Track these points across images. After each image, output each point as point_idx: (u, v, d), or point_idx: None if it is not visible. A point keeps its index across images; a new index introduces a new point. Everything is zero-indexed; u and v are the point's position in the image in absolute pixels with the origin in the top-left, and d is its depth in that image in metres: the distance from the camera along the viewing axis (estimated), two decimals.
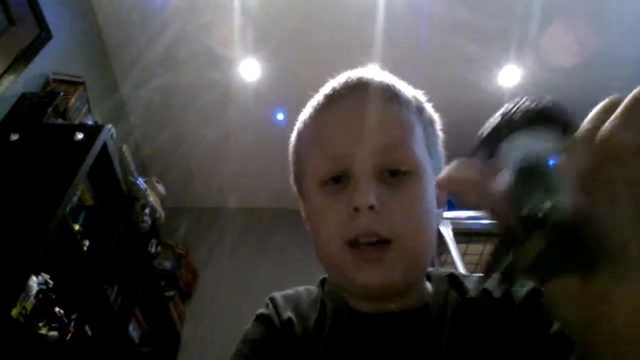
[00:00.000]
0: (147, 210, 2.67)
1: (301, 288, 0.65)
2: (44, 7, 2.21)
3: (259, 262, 3.33)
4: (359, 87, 0.55)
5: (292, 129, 0.69)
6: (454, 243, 2.16)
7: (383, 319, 0.54)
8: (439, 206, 0.57)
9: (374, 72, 0.57)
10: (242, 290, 2.91)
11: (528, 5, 2.92)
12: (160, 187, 3.12)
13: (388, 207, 0.49)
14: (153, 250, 2.91)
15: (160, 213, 2.92)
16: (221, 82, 3.25)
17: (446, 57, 3.14)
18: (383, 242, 0.50)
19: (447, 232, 2.23)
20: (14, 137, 1.81)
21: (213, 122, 3.46)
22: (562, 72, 3.23)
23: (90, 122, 2.36)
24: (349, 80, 0.56)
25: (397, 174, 0.51)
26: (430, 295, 0.57)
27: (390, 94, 0.55)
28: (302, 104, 0.65)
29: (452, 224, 2.30)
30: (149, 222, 2.72)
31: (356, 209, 0.49)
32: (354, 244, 0.50)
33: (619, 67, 3.25)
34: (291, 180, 0.65)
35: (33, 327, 1.63)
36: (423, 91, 0.63)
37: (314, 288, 0.64)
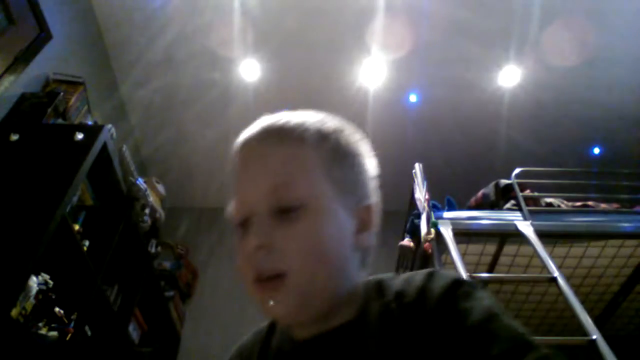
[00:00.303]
0: (147, 211, 2.67)
1: (250, 334, 0.71)
2: (44, 7, 2.21)
3: None
4: (254, 135, 0.59)
5: None
6: (454, 243, 2.16)
7: (317, 341, 0.58)
8: (361, 230, 0.59)
9: (270, 118, 0.60)
10: (242, 290, 2.89)
11: (528, 6, 2.92)
12: (160, 187, 3.12)
13: (280, 243, 0.53)
14: (153, 250, 2.91)
15: (160, 213, 2.92)
16: (221, 83, 3.25)
17: (446, 57, 3.14)
18: (279, 276, 0.53)
19: (447, 233, 2.23)
20: (14, 137, 1.81)
21: (213, 122, 3.46)
22: (562, 72, 3.23)
23: (90, 122, 2.36)
24: (251, 132, 0.60)
25: (290, 211, 0.54)
26: (359, 308, 0.59)
27: (277, 136, 0.57)
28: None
29: (452, 224, 2.30)
30: (149, 222, 2.72)
31: (252, 249, 0.54)
32: (257, 281, 0.55)
33: (619, 67, 3.26)
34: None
35: (33, 327, 1.63)
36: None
37: (263, 327, 0.70)
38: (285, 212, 0.54)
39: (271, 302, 0.54)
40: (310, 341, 0.59)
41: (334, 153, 0.58)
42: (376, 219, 0.63)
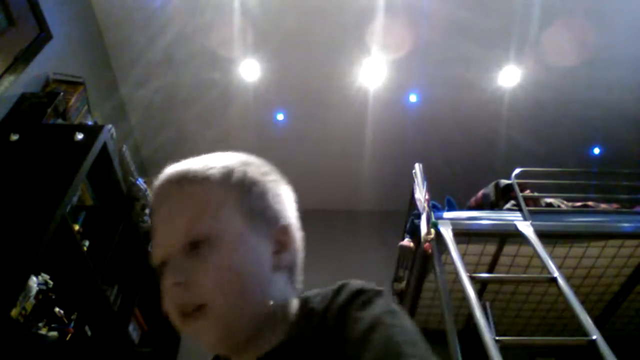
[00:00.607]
0: (147, 211, 2.67)
1: None
2: (44, 8, 2.21)
3: None
4: (162, 183, 0.63)
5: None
6: (454, 243, 2.15)
7: None
8: (278, 252, 0.62)
9: (176, 166, 0.64)
10: None
11: (528, 6, 2.92)
12: None
13: (194, 278, 0.56)
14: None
15: None
16: (221, 83, 3.25)
17: (446, 57, 3.14)
18: (201, 309, 0.56)
19: (447, 233, 2.23)
20: (14, 137, 1.81)
21: (213, 122, 3.46)
22: (562, 72, 3.23)
23: (90, 123, 2.36)
24: (160, 180, 0.63)
25: (200, 246, 0.57)
26: (289, 329, 0.61)
27: (183, 180, 0.61)
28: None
29: (452, 224, 2.30)
30: (149, 222, 2.72)
31: (168, 289, 0.57)
32: (182, 316, 0.58)
33: (619, 67, 3.25)
34: None
35: (33, 327, 1.63)
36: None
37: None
38: (196, 248, 0.57)
39: (197, 334, 0.57)
40: None
41: (239, 186, 0.62)
42: (294, 238, 0.65)
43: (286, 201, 0.67)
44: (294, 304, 0.64)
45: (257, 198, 0.63)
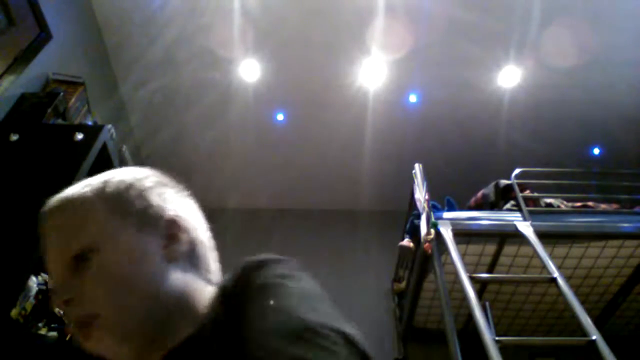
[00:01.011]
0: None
1: None
2: (44, 8, 2.21)
3: None
4: (44, 213, 0.64)
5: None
6: (454, 243, 2.15)
7: None
8: (168, 244, 0.62)
9: (54, 200, 0.65)
10: None
11: (528, 7, 2.92)
12: None
13: (79, 291, 0.57)
14: None
15: None
16: (221, 83, 3.25)
17: (446, 57, 3.14)
18: (94, 318, 0.57)
19: (447, 233, 2.23)
20: (14, 137, 1.81)
21: (213, 123, 3.46)
22: (562, 73, 3.23)
23: (90, 123, 2.36)
24: (41, 215, 0.65)
25: (81, 259, 0.58)
26: (202, 319, 0.60)
27: (60, 205, 0.64)
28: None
29: (452, 224, 2.30)
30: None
31: (59, 308, 0.58)
32: (79, 329, 0.58)
33: (619, 67, 3.26)
34: None
35: (33, 328, 1.63)
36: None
37: None
38: (79, 262, 0.58)
39: (95, 345, 0.58)
40: None
41: (115, 193, 0.63)
42: (185, 228, 0.65)
43: (172, 197, 0.68)
44: (206, 293, 0.63)
45: (135, 199, 0.63)
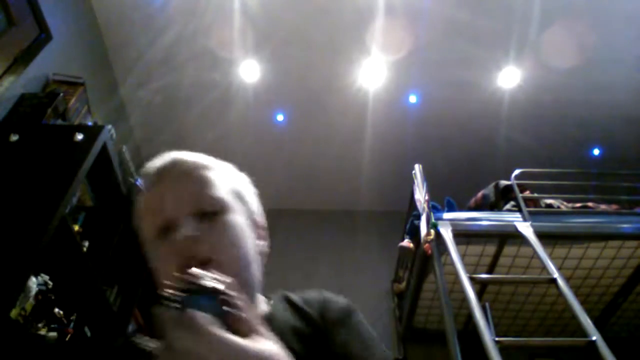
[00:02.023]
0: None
1: None
2: (44, 8, 2.21)
3: None
4: (167, 162, 0.71)
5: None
6: (454, 244, 2.15)
7: None
8: (259, 237, 0.73)
9: (180, 153, 0.73)
10: None
11: (528, 8, 2.92)
12: None
13: (205, 235, 0.63)
14: None
15: None
16: (221, 83, 3.25)
17: (446, 58, 3.14)
18: (207, 263, 0.62)
19: (447, 233, 2.23)
20: (14, 137, 1.81)
21: (213, 123, 3.47)
22: (561, 73, 3.23)
23: (90, 123, 2.36)
24: (161, 159, 0.72)
25: (207, 214, 0.66)
26: (269, 312, 0.72)
27: (190, 163, 0.71)
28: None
29: (452, 225, 2.30)
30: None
31: (180, 241, 0.62)
32: (186, 267, 0.61)
33: (618, 68, 3.26)
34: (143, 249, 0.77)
35: (32, 328, 1.62)
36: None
37: None
38: (206, 215, 0.66)
39: None
40: None
41: (230, 178, 0.74)
42: (265, 237, 0.75)
43: (255, 199, 0.77)
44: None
45: (241, 189, 0.74)
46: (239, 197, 0.72)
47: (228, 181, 0.72)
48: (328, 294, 0.77)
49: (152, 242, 0.68)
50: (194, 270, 0.50)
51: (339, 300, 0.76)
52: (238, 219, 0.68)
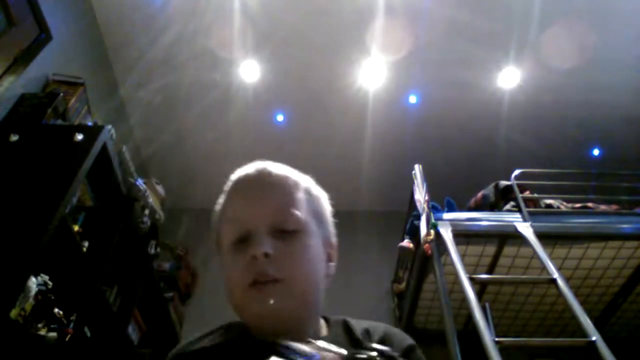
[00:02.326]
0: (146, 212, 2.67)
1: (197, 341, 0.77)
2: (44, 8, 2.21)
3: None
4: (256, 171, 0.72)
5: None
6: (454, 244, 2.16)
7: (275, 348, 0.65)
8: (329, 261, 0.73)
9: (270, 164, 0.74)
10: None
11: (528, 8, 2.92)
12: (160, 188, 3.11)
13: (279, 255, 0.64)
14: (152, 251, 2.91)
15: (160, 214, 2.92)
16: (221, 84, 3.25)
17: (446, 58, 3.14)
18: (277, 282, 0.63)
19: (447, 234, 2.23)
20: (14, 137, 1.81)
21: (213, 123, 3.46)
22: (561, 74, 3.23)
23: (90, 123, 2.36)
24: (250, 167, 0.73)
25: (285, 232, 0.67)
26: (324, 336, 0.71)
27: (279, 176, 0.72)
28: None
29: (452, 225, 2.30)
30: (149, 223, 2.72)
31: (254, 257, 0.63)
32: (255, 284, 0.64)
33: (618, 68, 3.26)
34: (215, 251, 0.78)
35: (32, 328, 1.62)
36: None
37: (213, 332, 0.77)
38: (283, 233, 0.67)
39: (271, 301, 0.63)
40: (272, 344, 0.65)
41: (317, 198, 0.75)
42: (335, 257, 0.76)
43: (332, 222, 0.78)
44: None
45: (319, 212, 0.74)
46: (318, 218, 0.73)
47: (311, 201, 0.73)
48: (393, 328, 0.76)
49: (228, 250, 0.69)
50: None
51: (404, 336, 0.75)
52: (313, 242, 0.69)
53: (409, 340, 0.73)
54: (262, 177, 0.71)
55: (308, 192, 0.74)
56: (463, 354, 1.83)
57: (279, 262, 0.64)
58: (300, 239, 0.67)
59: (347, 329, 0.74)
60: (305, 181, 0.75)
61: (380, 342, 0.71)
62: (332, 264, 0.74)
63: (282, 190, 0.70)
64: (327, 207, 0.77)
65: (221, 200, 0.76)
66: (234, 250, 0.67)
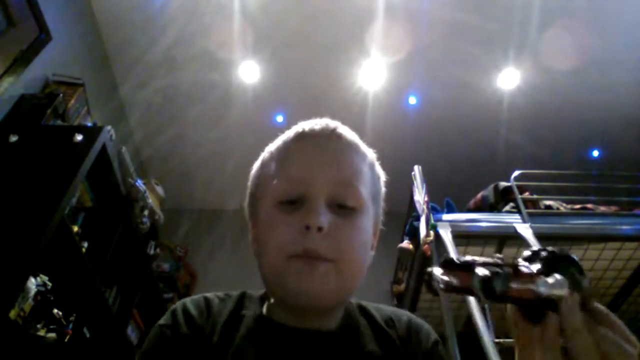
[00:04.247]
0: (146, 212, 2.67)
1: (211, 295, 0.70)
2: (43, 9, 2.21)
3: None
4: (326, 130, 0.64)
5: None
6: (453, 245, 2.16)
7: (299, 333, 0.61)
8: (372, 247, 0.67)
9: (341, 126, 0.66)
10: None
11: (527, 9, 2.92)
12: (160, 189, 3.11)
13: (334, 232, 0.58)
14: (152, 252, 2.91)
15: (159, 215, 2.92)
16: (221, 84, 3.25)
17: (446, 59, 3.15)
18: (327, 261, 0.58)
19: (446, 235, 2.23)
20: (14, 138, 1.81)
21: (212, 124, 3.46)
22: (561, 75, 3.23)
23: (89, 124, 2.36)
24: (319, 123, 0.65)
25: (344, 207, 0.61)
26: (345, 321, 0.66)
27: (350, 143, 0.65)
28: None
29: (451, 226, 2.30)
30: (148, 223, 2.72)
31: (307, 227, 0.57)
32: (303, 256, 0.58)
33: (618, 69, 3.26)
34: (245, 204, 0.72)
35: (31, 329, 1.62)
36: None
37: (227, 297, 0.70)
38: (341, 208, 0.60)
39: (318, 280, 0.57)
40: (305, 332, 0.61)
41: (378, 176, 0.70)
42: (378, 234, 0.70)
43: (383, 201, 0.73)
44: None
45: (380, 190, 0.69)
46: (375, 199, 0.67)
47: (373, 179, 0.67)
48: (415, 318, 0.71)
49: (272, 207, 0.61)
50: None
51: (429, 329, 0.70)
52: (367, 224, 0.63)
53: (434, 335, 0.69)
54: (331, 139, 0.63)
55: (372, 168, 0.68)
56: (462, 355, 1.83)
57: (334, 240, 0.58)
58: (357, 218, 0.61)
59: (365, 314, 0.69)
60: (371, 155, 0.69)
61: (405, 334, 0.66)
62: (372, 252, 0.67)
63: (350, 160, 0.63)
64: (383, 188, 0.71)
65: (273, 148, 0.67)
66: (280, 210, 0.60)
